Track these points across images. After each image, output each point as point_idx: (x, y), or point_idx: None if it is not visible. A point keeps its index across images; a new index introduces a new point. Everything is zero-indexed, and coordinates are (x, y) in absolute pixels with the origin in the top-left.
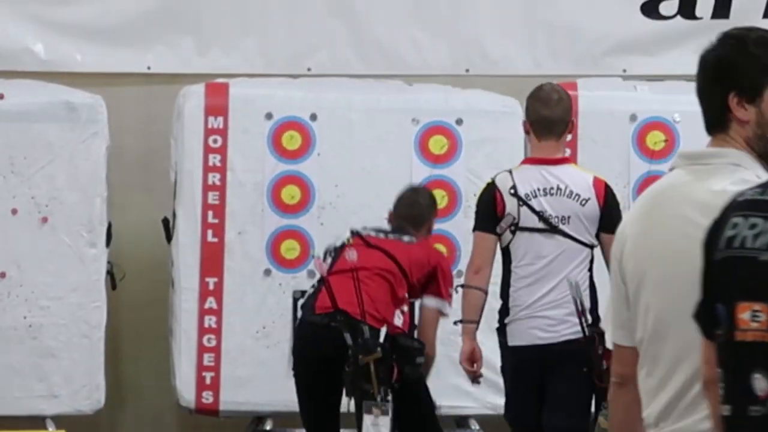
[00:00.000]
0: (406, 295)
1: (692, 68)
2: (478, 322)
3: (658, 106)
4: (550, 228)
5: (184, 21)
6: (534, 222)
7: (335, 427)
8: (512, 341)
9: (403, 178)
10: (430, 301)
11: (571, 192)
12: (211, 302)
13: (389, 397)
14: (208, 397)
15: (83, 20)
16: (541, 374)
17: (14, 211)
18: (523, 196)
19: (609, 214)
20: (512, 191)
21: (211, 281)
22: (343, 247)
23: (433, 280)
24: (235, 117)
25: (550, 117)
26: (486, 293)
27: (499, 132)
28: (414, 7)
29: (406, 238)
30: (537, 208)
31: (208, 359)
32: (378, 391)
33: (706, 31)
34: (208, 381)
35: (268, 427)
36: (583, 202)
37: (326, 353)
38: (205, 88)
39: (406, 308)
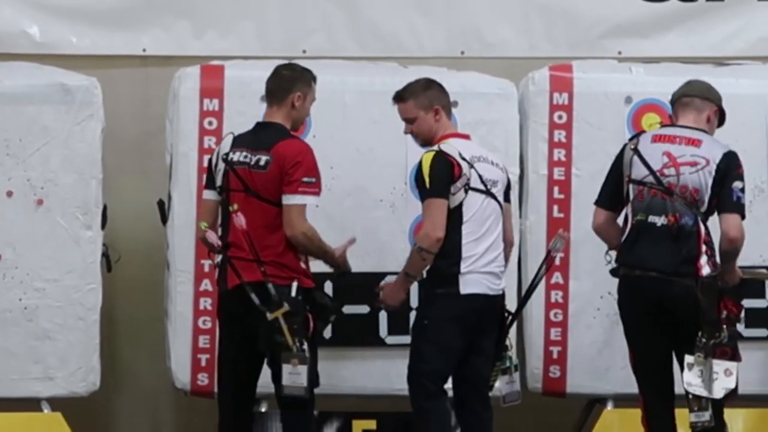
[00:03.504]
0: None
1: (687, 51)
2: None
3: (654, 88)
4: (487, 191)
5: (180, 3)
6: (478, 183)
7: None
8: (466, 290)
9: (398, 160)
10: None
11: (492, 161)
12: (206, 284)
13: (305, 347)
14: (203, 379)
15: (78, 3)
16: (474, 323)
17: (9, 194)
18: (469, 160)
19: (510, 188)
20: (460, 155)
21: (206, 263)
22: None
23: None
24: (231, 99)
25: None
26: None
27: (494, 114)
28: None
29: (263, 161)
30: (479, 171)
31: (203, 341)
32: (293, 342)
33: (702, 13)
34: (203, 363)
35: (263, 409)
36: (503, 170)
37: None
38: (200, 70)
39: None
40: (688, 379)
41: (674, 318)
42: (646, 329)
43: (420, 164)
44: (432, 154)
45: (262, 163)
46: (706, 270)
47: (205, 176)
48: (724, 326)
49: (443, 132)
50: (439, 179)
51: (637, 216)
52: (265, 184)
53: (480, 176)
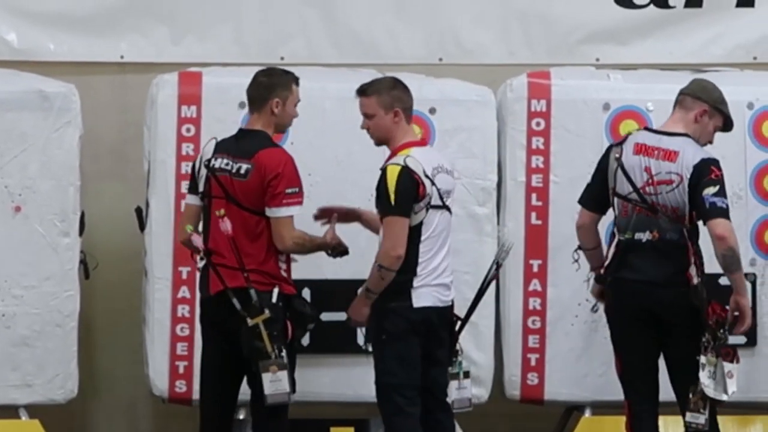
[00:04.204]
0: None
1: (665, 57)
2: None
3: (632, 95)
4: (442, 204)
5: (158, 10)
6: (437, 200)
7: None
8: (418, 303)
9: (377, 166)
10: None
11: (447, 169)
12: (184, 291)
13: (284, 353)
14: (181, 386)
15: (56, 9)
16: (427, 334)
17: None
18: (431, 176)
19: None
20: (424, 173)
21: (185, 270)
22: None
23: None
24: (209, 106)
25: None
26: None
27: (472, 121)
28: None
29: (243, 169)
30: (438, 186)
31: (181, 348)
32: (272, 348)
33: (680, 20)
34: (181, 370)
35: (241, 416)
36: (456, 177)
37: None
38: (178, 76)
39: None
40: (703, 380)
41: (663, 324)
42: (634, 335)
43: (385, 176)
44: (398, 169)
45: (242, 171)
46: (696, 280)
47: (188, 181)
48: (714, 331)
49: (403, 138)
50: (405, 198)
51: (625, 234)
52: (246, 192)
53: (438, 191)
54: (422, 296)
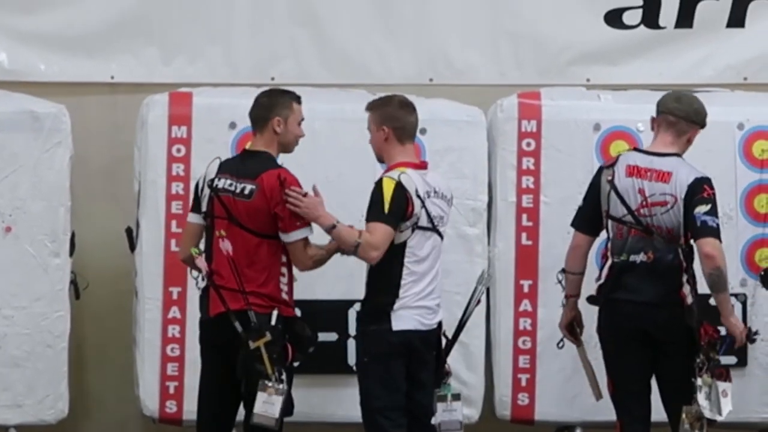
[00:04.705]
0: (281, 255)
1: (656, 78)
2: None
3: (622, 115)
4: (432, 227)
5: (149, 31)
6: (425, 222)
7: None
8: (397, 326)
9: (368, 187)
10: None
11: (443, 193)
12: (174, 311)
13: (283, 377)
14: (171, 407)
15: (47, 30)
16: (410, 357)
17: None
18: (422, 198)
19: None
20: (417, 193)
21: (175, 290)
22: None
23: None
24: (199, 126)
25: (414, 123)
26: None
27: (462, 141)
28: (378, 17)
29: (247, 190)
30: (429, 209)
31: (171, 369)
32: (273, 371)
33: (670, 41)
34: (171, 390)
35: None
36: (449, 202)
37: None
38: (168, 97)
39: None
40: (701, 402)
41: (657, 345)
42: (628, 355)
43: (381, 187)
44: (393, 182)
45: (246, 191)
46: (689, 299)
47: (179, 201)
48: (707, 352)
49: (399, 157)
50: (396, 211)
51: (620, 256)
52: (249, 213)
53: (428, 213)
54: (402, 319)
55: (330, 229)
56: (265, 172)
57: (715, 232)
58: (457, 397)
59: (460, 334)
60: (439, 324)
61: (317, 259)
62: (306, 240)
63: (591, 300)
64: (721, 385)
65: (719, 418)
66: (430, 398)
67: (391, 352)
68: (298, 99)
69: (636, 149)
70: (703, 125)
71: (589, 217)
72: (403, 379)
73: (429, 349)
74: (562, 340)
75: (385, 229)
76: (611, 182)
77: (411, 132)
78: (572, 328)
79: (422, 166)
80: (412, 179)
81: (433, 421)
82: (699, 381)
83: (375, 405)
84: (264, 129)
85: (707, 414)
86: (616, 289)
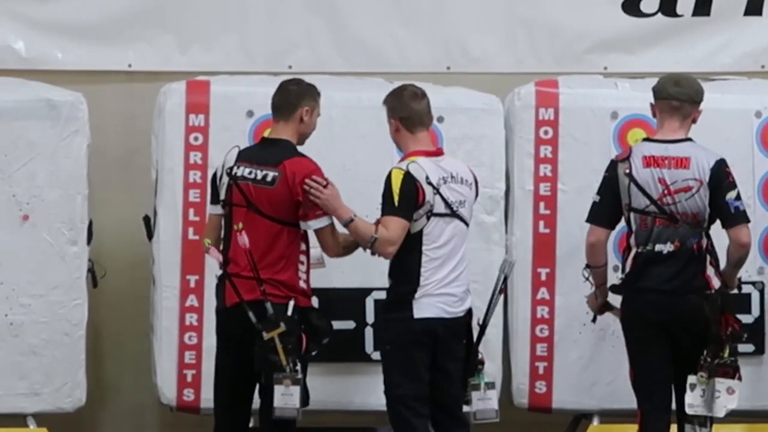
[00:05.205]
0: (300, 243)
1: (673, 66)
2: None
3: (639, 103)
4: (452, 213)
5: (165, 19)
6: (442, 208)
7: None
8: (419, 314)
9: (383, 175)
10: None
11: (463, 178)
12: (192, 300)
13: (298, 368)
14: (189, 395)
15: (64, 18)
16: (434, 346)
17: None
18: (435, 185)
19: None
20: (427, 180)
21: (193, 279)
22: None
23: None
24: (216, 114)
25: (420, 111)
26: None
27: (479, 129)
28: (395, 5)
29: (270, 177)
30: (444, 195)
31: (189, 357)
32: (287, 362)
33: (687, 28)
34: (189, 378)
35: (250, 425)
36: (471, 186)
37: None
38: (186, 85)
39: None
40: (689, 400)
41: (681, 334)
42: (651, 343)
43: (390, 180)
44: (401, 173)
45: (269, 178)
46: (715, 281)
47: (196, 189)
48: (728, 343)
49: (411, 146)
50: (407, 202)
51: (645, 246)
52: (271, 200)
53: (445, 200)
54: (424, 307)
55: (348, 223)
56: (288, 159)
57: (746, 217)
58: (491, 385)
59: (488, 323)
60: (469, 312)
61: (346, 246)
62: (332, 226)
63: (614, 289)
64: (728, 382)
65: (710, 414)
66: (457, 389)
67: (412, 341)
68: (319, 93)
69: (647, 139)
70: (701, 102)
71: (608, 212)
72: (426, 368)
73: (456, 338)
74: (595, 317)
75: (399, 222)
76: (629, 174)
77: (418, 120)
78: (605, 309)
79: (436, 153)
80: (422, 167)
81: (469, 409)
82: (692, 379)
83: (396, 393)
84: (290, 117)
85: (691, 412)
86: (641, 279)
